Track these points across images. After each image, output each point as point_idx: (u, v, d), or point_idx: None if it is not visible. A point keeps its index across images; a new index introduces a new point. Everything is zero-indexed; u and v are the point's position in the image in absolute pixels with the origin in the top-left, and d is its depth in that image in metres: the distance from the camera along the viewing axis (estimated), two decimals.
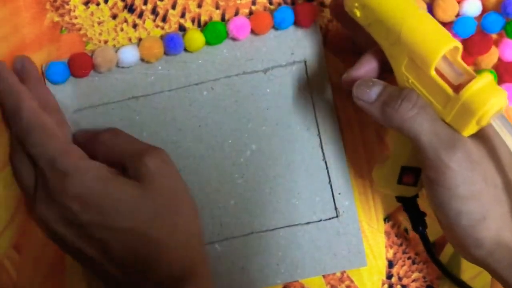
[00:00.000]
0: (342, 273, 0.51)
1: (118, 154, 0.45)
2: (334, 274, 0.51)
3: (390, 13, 0.41)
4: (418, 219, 0.48)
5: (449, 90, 0.40)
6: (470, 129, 0.40)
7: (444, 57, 0.40)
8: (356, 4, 0.43)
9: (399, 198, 0.47)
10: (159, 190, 0.43)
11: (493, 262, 0.41)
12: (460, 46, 0.40)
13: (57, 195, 0.43)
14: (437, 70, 0.40)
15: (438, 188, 0.40)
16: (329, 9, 0.49)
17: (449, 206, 0.40)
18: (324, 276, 0.51)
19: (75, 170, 0.43)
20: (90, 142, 0.46)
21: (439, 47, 0.39)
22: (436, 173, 0.40)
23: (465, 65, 0.41)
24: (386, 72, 0.43)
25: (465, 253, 0.42)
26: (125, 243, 0.43)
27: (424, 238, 0.48)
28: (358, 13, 0.43)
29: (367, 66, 0.44)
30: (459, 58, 0.41)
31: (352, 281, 0.51)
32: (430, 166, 0.40)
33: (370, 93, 0.42)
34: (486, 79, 0.39)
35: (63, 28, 0.49)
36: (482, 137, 0.41)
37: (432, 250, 0.48)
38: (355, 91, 0.43)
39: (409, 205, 0.47)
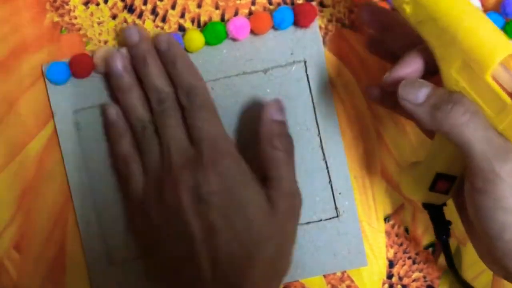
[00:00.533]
0: (343, 273, 0.51)
1: (267, 166, 0.45)
2: (334, 274, 0.51)
3: (446, 11, 0.39)
4: (443, 228, 0.47)
5: (506, 98, 0.38)
6: None
7: (501, 63, 0.38)
8: (407, 0, 0.41)
9: (426, 205, 0.46)
10: (279, 227, 0.44)
11: None
12: None
13: (204, 168, 0.43)
14: (492, 76, 0.38)
15: (484, 198, 0.38)
16: (358, 9, 0.47)
17: (494, 217, 0.38)
18: (324, 276, 0.51)
19: (229, 156, 0.44)
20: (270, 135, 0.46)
21: (498, 51, 0.37)
22: (484, 183, 0.38)
23: None
24: (428, 73, 0.42)
25: (500, 267, 0.41)
26: (231, 242, 0.43)
27: (446, 246, 0.47)
28: (407, 9, 0.41)
29: (412, 66, 0.42)
30: None
31: (352, 281, 0.51)
32: (479, 175, 0.38)
33: (418, 94, 0.40)
34: None
35: (63, 28, 0.49)
36: None
37: (452, 259, 0.47)
38: (401, 91, 0.40)
39: (435, 213, 0.46)
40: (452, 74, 0.39)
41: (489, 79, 0.38)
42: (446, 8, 0.39)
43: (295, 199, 0.46)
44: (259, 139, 0.46)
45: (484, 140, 0.38)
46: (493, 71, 0.38)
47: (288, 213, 0.45)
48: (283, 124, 0.47)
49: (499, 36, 0.38)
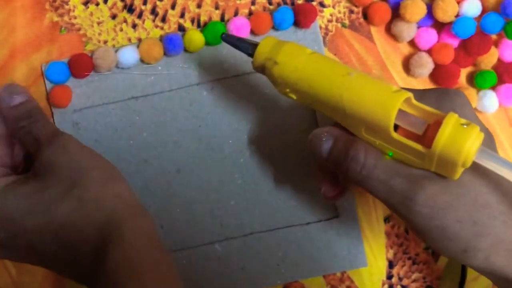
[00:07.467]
0: (343, 273, 0.51)
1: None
2: (334, 274, 0.51)
3: (325, 91, 0.39)
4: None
5: (419, 147, 0.38)
6: (458, 172, 0.38)
7: (400, 112, 0.38)
8: (287, 90, 0.41)
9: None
10: (52, 177, 0.42)
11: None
12: (409, 94, 0.38)
13: None
14: (397, 126, 0.38)
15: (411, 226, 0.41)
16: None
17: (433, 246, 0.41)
18: (324, 276, 0.51)
19: None
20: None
21: (388, 110, 0.37)
22: (405, 218, 0.40)
23: (423, 106, 0.38)
24: None
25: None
26: (42, 239, 0.41)
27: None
28: (294, 97, 0.41)
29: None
30: (414, 101, 0.39)
31: (352, 281, 0.51)
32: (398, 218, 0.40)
33: (321, 149, 0.41)
34: (451, 121, 0.37)
35: (63, 28, 0.49)
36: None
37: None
38: (309, 144, 0.42)
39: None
40: (365, 136, 0.40)
41: (395, 136, 0.38)
42: (323, 88, 0.39)
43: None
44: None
45: (386, 191, 0.39)
46: (396, 122, 0.38)
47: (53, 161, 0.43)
48: (22, 104, 0.45)
49: (383, 90, 0.38)
